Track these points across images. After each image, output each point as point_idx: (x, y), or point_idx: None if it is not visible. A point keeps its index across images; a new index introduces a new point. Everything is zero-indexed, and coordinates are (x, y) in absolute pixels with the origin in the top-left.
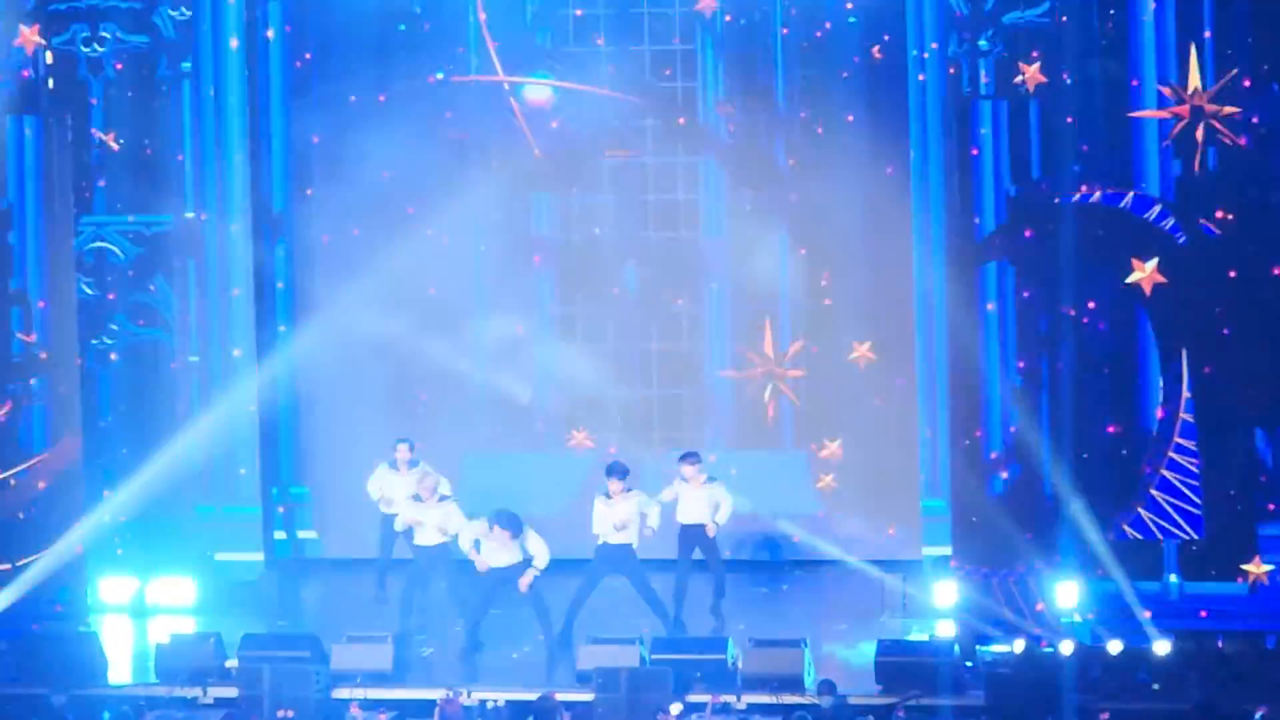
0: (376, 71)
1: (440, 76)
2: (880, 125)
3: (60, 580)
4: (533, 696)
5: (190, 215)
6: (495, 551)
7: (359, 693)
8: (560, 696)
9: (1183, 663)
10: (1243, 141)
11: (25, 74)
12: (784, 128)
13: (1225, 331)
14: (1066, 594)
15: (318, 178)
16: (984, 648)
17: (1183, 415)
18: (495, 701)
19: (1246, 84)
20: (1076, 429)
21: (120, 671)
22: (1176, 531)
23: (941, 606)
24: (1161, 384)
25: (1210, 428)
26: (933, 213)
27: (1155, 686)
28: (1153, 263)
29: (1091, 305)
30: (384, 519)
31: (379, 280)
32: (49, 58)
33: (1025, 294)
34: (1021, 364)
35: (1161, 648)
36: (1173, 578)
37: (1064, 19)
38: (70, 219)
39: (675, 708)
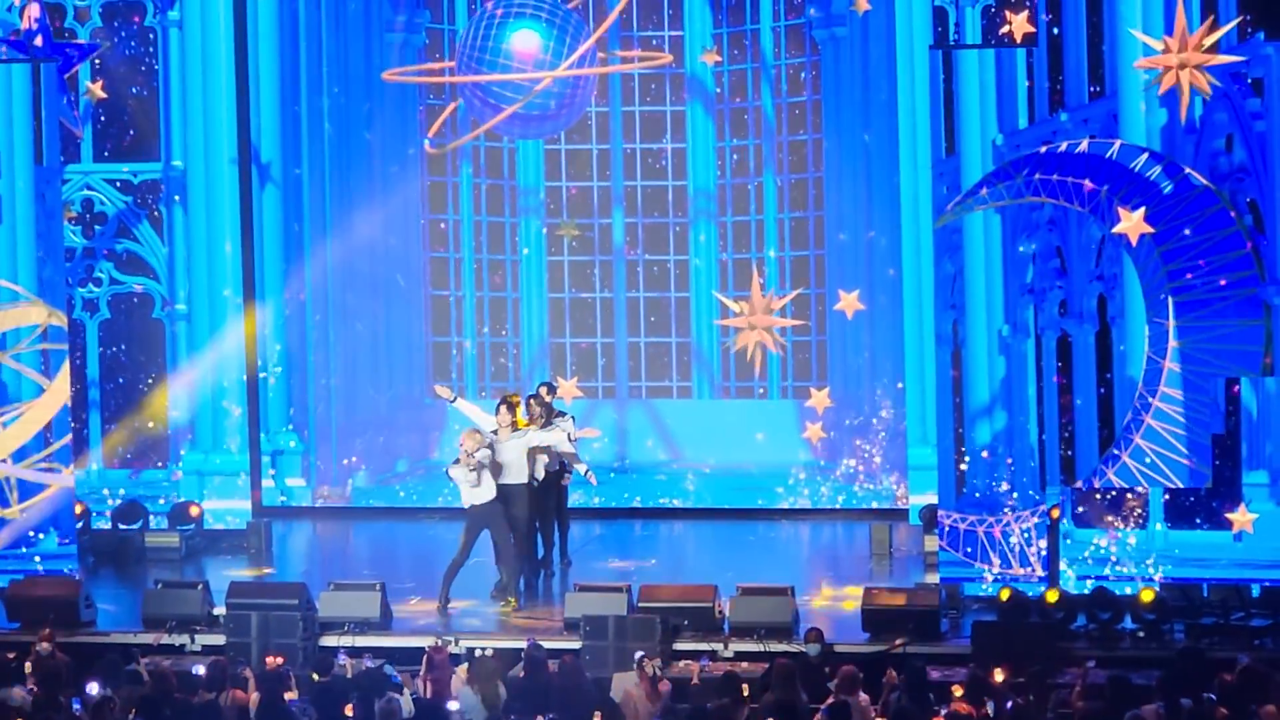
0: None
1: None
2: (868, 74)
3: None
4: (521, 644)
5: (178, 163)
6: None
7: (347, 640)
8: (547, 644)
9: (1167, 611)
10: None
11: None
12: (771, 76)
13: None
14: (1053, 542)
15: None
16: (970, 596)
17: (1169, 364)
18: (483, 650)
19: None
20: (1063, 378)
21: (108, 618)
22: (1162, 480)
23: (928, 555)
24: (1148, 333)
25: (1196, 376)
26: (920, 162)
27: (1140, 634)
28: (1139, 212)
29: (1078, 254)
30: None
31: (366, 228)
32: (35, 10)
33: (1012, 243)
34: (1008, 314)
35: (1146, 596)
36: (1158, 526)
37: None
38: (58, 167)
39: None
